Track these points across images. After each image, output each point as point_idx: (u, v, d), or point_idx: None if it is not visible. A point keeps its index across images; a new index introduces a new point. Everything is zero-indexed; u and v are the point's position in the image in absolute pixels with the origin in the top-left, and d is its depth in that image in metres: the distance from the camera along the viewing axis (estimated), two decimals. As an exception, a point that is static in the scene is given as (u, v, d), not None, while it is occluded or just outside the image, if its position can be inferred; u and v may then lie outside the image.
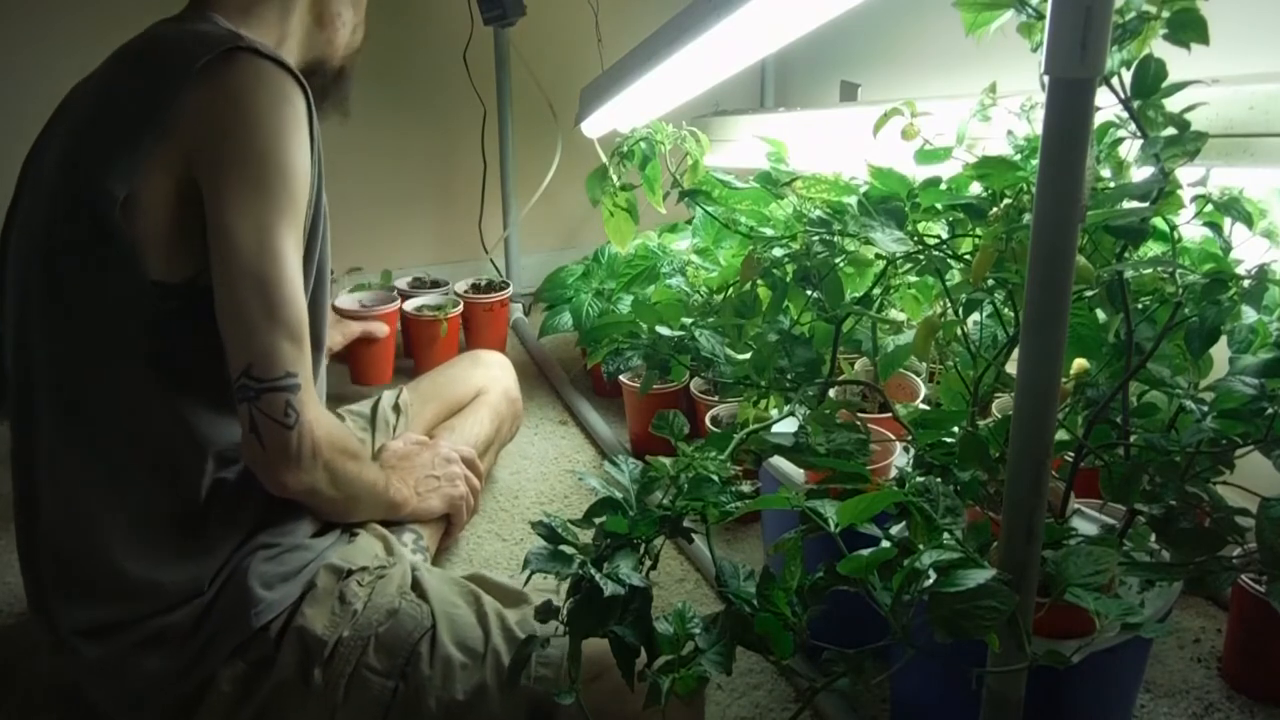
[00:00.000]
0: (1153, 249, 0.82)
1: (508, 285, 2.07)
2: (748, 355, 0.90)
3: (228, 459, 0.90)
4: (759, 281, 0.95)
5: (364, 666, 0.86)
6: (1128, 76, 0.70)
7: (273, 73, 0.87)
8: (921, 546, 0.65)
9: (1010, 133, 0.86)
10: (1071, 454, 0.79)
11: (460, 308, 1.98)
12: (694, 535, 0.72)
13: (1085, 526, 0.83)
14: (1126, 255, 0.77)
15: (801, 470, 1.01)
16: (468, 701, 0.85)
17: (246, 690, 0.86)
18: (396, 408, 1.33)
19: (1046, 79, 0.52)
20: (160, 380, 0.87)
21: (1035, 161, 0.67)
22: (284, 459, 0.85)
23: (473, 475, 1.23)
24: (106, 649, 0.86)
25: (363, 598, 0.91)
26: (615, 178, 1.10)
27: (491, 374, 1.47)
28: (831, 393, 0.93)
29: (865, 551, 0.63)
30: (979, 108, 0.89)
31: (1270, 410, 0.70)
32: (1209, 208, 0.74)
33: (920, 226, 0.89)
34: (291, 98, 0.88)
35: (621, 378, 1.56)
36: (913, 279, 0.96)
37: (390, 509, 1.06)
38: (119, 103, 0.88)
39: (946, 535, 0.67)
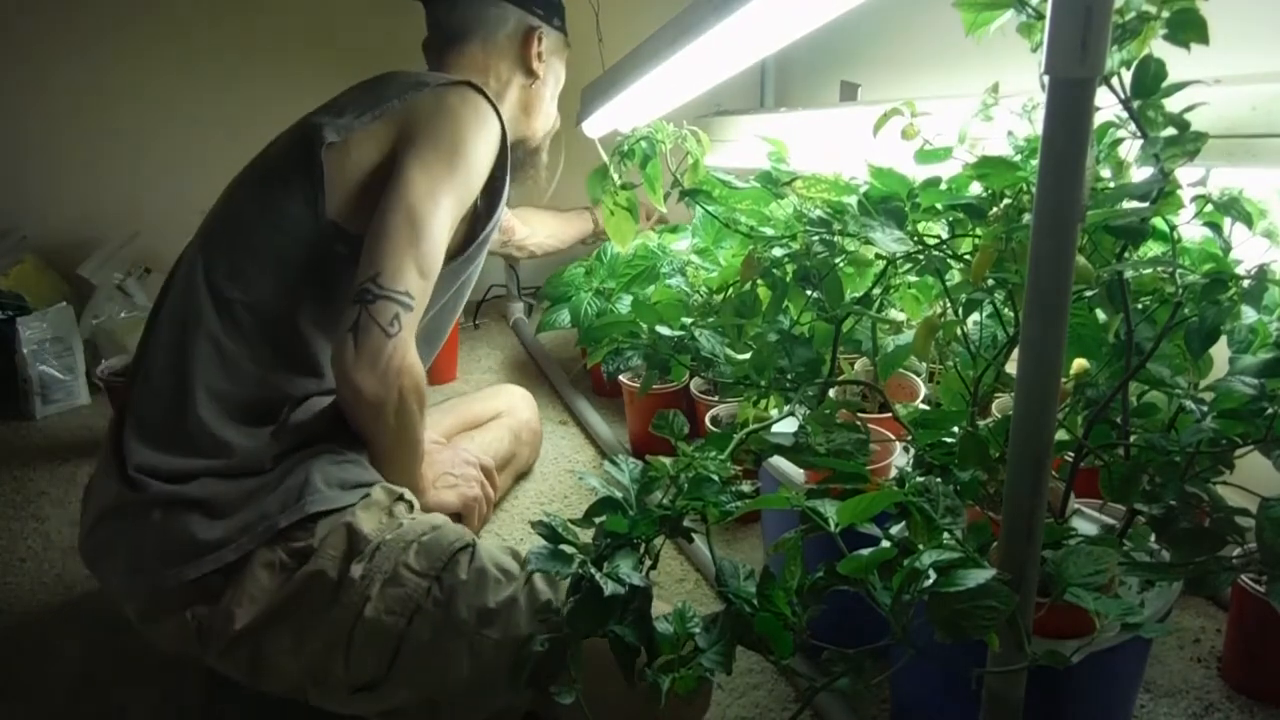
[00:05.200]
0: (1153, 249, 0.81)
1: None
2: (748, 355, 0.90)
3: (326, 388, 1.02)
4: (759, 281, 0.94)
5: (402, 564, 0.88)
6: (1128, 76, 0.70)
7: (486, 106, 1.09)
8: (921, 546, 0.65)
9: (1010, 133, 0.85)
10: (1071, 454, 0.79)
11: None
12: (694, 535, 0.72)
13: (1085, 526, 0.83)
14: (1126, 255, 0.77)
15: (801, 470, 1.01)
16: (498, 610, 0.86)
17: (280, 578, 0.87)
18: None
19: (1046, 79, 0.52)
20: (303, 306, 1.00)
21: (1035, 161, 0.67)
22: (372, 364, 0.92)
23: (488, 484, 1.24)
24: (165, 487, 0.91)
25: (409, 516, 0.95)
26: (616, 177, 1.10)
27: (515, 402, 1.53)
28: (831, 393, 0.93)
29: (865, 551, 0.63)
30: (981, 107, 0.89)
31: (1270, 410, 0.69)
32: (1209, 208, 0.74)
33: (920, 226, 0.89)
34: (491, 124, 1.09)
35: (621, 378, 1.56)
36: (913, 279, 0.96)
37: (413, 489, 1.06)
38: (356, 96, 1.10)
39: (946, 535, 0.67)
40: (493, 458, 1.32)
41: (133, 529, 0.91)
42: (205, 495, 0.90)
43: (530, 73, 1.29)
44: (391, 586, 0.86)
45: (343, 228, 1.00)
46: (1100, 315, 0.80)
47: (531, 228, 1.92)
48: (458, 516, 1.20)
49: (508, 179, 1.14)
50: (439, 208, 0.99)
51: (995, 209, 0.79)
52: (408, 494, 0.98)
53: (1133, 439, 0.78)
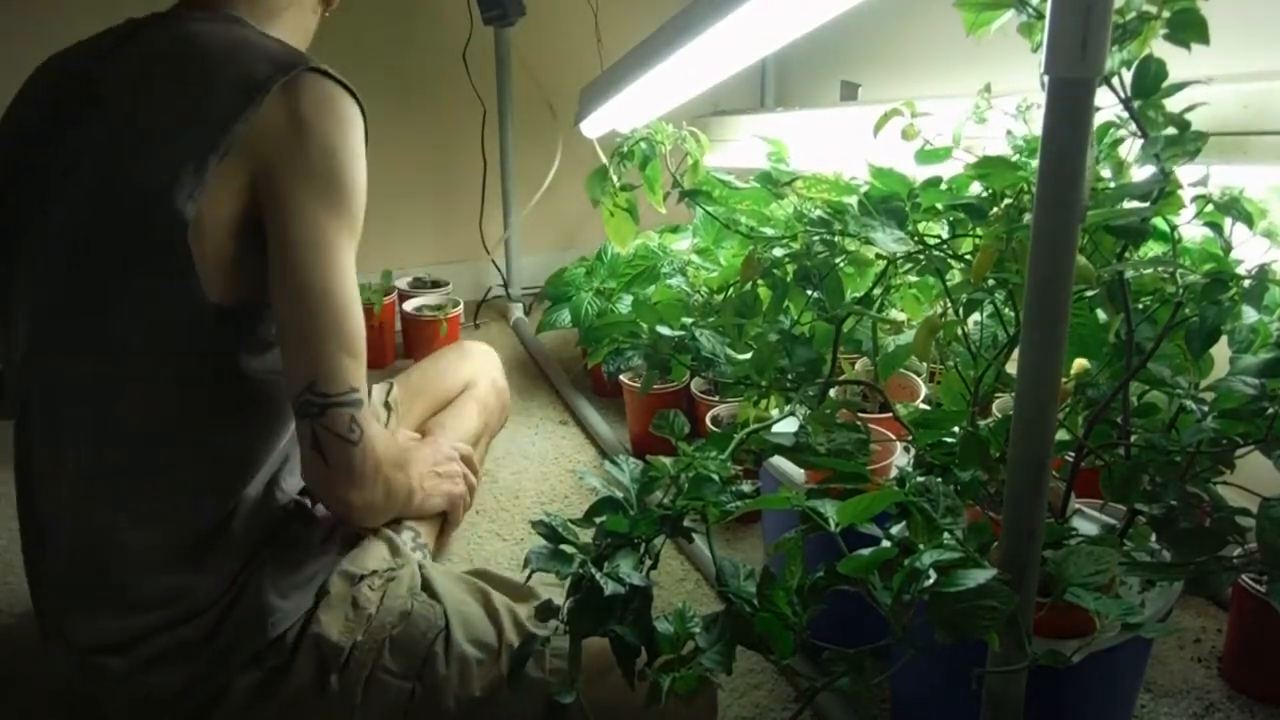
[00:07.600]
0: (1153, 249, 0.82)
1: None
2: (748, 355, 0.90)
3: (250, 477, 0.90)
4: (759, 281, 0.95)
5: (380, 669, 0.86)
6: (1128, 76, 0.70)
7: (340, 96, 0.87)
8: (922, 546, 0.65)
9: (1009, 133, 0.86)
10: (1071, 454, 0.79)
11: (460, 307, 1.98)
12: (694, 535, 0.72)
13: (1085, 526, 0.83)
14: (1127, 255, 0.77)
15: (801, 470, 1.01)
16: (485, 698, 0.86)
17: (261, 698, 0.86)
18: (387, 405, 1.33)
19: (1047, 79, 0.52)
20: (203, 403, 0.86)
21: (1035, 161, 0.67)
22: (348, 476, 0.84)
23: (470, 474, 1.24)
24: (123, 661, 0.85)
25: (375, 601, 0.91)
26: (615, 178, 1.10)
27: (478, 364, 1.45)
28: (832, 393, 0.93)
29: (866, 551, 0.63)
30: (974, 110, 0.89)
31: (1270, 410, 0.69)
32: (1209, 208, 0.74)
33: (920, 226, 0.89)
34: (356, 120, 0.89)
35: (622, 378, 1.56)
36: (913, 279, 0.96)
37: (406, 509, 1.06)
38: (168, 112, 0.84)
39: (947, 535, 0.67)
40: (467, 440, 1.30)
41: (102, 695, 0.89)
42: (165, 648, 0.85)
43: None
44: (375, 694, 0.86)
45: (226, 308, 0.83)
46: (1100, 315, 0.81)
47: None
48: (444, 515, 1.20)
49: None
50: (344, 271, 0.84)
51: (995, 209, 0.79)
52: (369, 565, 0.94)
53: (1133, 439, 0.78)
